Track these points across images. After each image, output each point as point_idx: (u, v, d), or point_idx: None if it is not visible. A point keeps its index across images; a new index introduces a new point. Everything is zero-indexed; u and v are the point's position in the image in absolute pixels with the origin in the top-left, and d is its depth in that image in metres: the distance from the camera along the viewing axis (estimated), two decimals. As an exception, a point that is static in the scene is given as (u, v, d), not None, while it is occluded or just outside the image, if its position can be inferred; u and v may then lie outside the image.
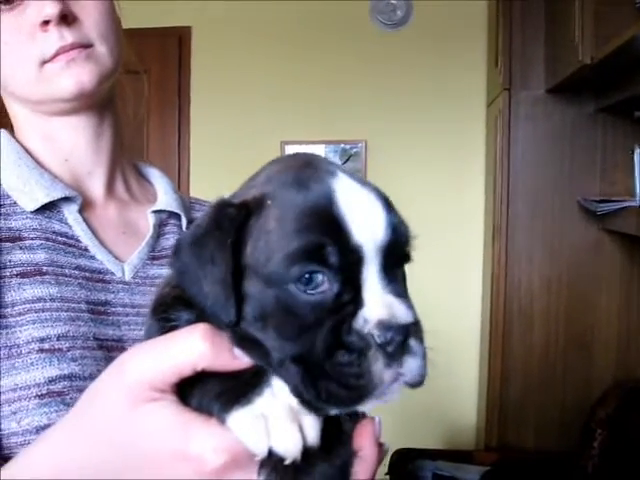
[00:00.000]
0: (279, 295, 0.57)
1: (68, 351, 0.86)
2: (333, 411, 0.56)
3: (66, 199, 0.99)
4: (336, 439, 0.61)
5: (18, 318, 0.87)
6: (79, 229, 0.99)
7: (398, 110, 3.93)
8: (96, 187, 1.06)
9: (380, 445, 0.63)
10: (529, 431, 3.24)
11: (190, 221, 1.11)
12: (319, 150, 4.04)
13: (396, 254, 0.60)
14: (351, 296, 0.56)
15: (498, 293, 3.35)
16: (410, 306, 0.59)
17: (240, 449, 0.54)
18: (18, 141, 1.03)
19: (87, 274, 0.96)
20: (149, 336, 0.65)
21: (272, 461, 0.54)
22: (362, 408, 0.58)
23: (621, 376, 3.11)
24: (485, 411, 3.59)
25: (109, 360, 0.89)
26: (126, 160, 1.13)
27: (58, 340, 0.87)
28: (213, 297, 0.59)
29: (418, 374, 0.58)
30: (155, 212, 1.08)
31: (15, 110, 1.04)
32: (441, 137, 3.90)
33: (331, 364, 0.55)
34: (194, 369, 0.56)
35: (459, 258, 3.90)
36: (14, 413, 0.82)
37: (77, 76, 0.93)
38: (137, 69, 1.19)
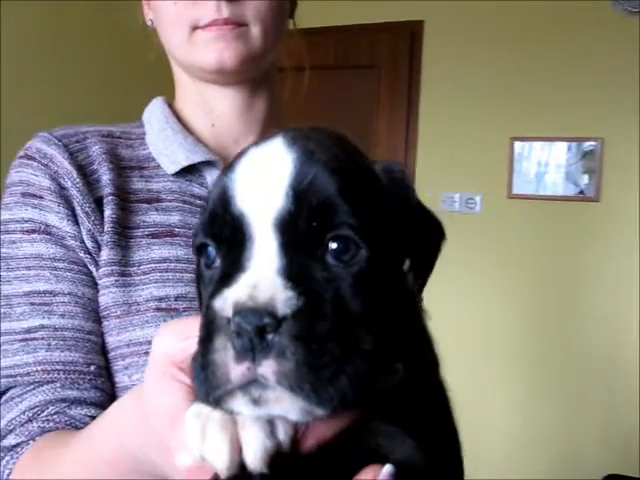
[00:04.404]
0: (197, 273, 0.56)
1: (184, 311, 0.88)
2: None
3: (210, 163, 0.99)
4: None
5: (142, 277, 0.90)
6: None
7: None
8: None
9: None
10: None
11: None
12: (559, 148, 3.86)
13: (306, 228, 0.48)
14: (235, 273, 0.47)
15: None
16: (301, 293, 0.44)
17: None
18: (171, 106, 1.07)
19: None
20: None
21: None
22: (236, 409, 0.46)
23: None
24: None
25: None
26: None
27: (176, 300, 0.89)
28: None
29: (294, 385, 0.43)
30: None
31: (178, 74, 1.07)
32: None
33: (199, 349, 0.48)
34: None
35: None
36: (126, 368, 0.87)
37: (220, 52, 0.94)
38: (302, 65, 1.19)
